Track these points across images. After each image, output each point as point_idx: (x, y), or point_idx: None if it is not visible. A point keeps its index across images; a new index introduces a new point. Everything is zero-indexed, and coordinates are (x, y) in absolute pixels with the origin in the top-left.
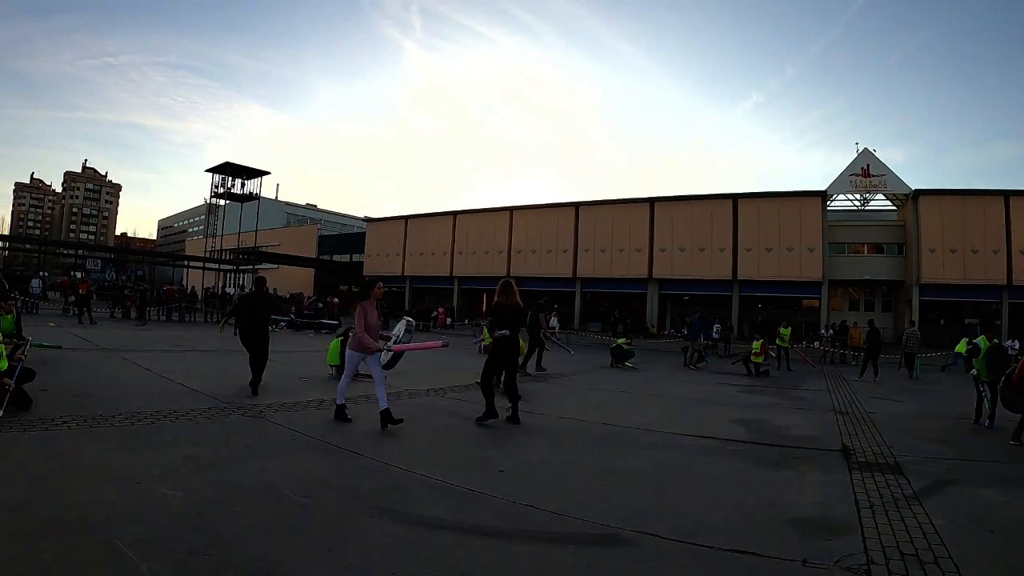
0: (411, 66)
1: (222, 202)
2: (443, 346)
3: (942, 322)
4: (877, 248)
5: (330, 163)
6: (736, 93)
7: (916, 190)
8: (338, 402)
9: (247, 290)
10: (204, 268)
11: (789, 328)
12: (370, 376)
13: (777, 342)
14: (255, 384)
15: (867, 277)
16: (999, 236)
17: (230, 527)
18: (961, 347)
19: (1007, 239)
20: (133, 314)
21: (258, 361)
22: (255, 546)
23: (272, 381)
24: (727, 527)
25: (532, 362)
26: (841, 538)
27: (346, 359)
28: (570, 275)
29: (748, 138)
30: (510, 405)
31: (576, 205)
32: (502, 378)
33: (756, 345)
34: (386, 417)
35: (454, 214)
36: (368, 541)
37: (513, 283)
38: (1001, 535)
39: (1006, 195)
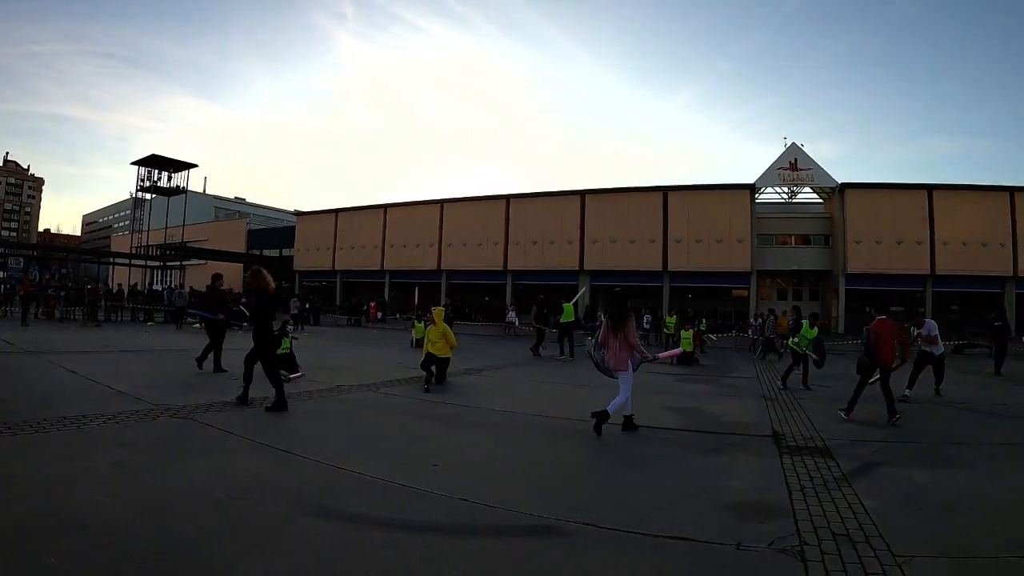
0: (344, 56)
1: (148, 196)
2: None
3: (868, 310)
4: (804, 239)
5: (261, 155)
6: (670, 86)
7: (842, 183)
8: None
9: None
10: (130, 265)
11: (675, 316)
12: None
13: (664, 330)
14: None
15: (795, 267)
16: (923, 228)
17: (164, 533)
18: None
19: (930, 230)
20: (58, 315)
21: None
22: (190, 552)
23: (200, 381)
24: (664, 513)
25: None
26: (774, 521)
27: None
28: (501, 268)
29: (682, 131)
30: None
31: (508, 198)
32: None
33: (689, 334)
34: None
35: (385, 207)
36: (306, 542)
37: (263, 270)
38: (930, 513)
39: (930, 188)
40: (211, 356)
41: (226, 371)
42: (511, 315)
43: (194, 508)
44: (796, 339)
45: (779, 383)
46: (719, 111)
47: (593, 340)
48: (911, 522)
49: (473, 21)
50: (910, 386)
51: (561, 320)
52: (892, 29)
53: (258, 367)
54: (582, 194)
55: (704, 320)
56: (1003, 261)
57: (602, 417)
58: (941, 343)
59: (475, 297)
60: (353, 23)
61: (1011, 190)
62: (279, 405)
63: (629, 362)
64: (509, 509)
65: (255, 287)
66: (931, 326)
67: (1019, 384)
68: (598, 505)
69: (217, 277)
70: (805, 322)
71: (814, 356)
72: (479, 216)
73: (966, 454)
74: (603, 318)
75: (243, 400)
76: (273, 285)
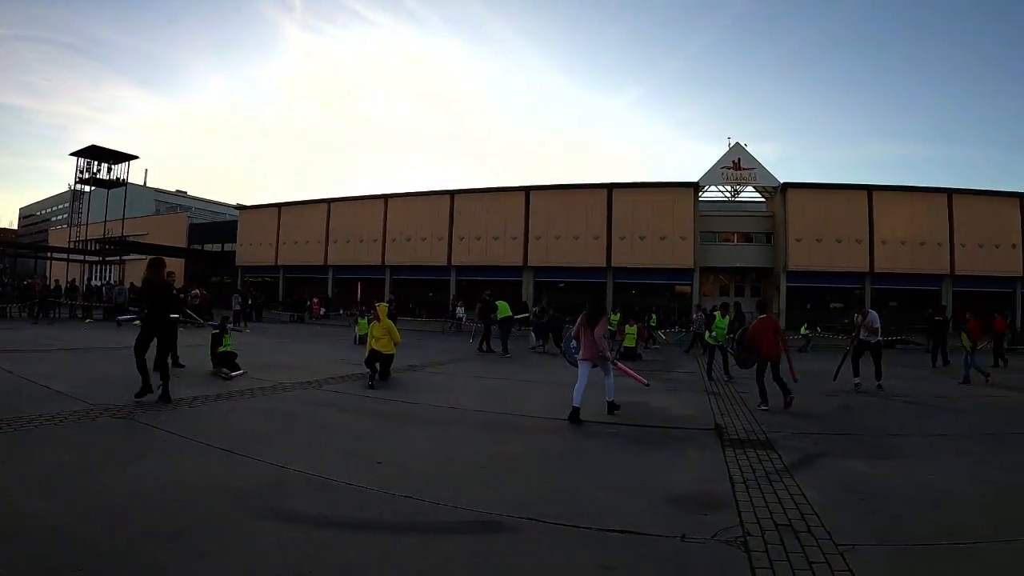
0: (292, 49)
1: (87, 188)
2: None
3: (808, 306)
4: (747, 237)
5: (204, 148)
6: (618, 85)
7: (784, 183)
8: None
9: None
10: (68, 260)
11: (619, 314)
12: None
13: (608, 327)
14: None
15: (738, 264)
16: (863, 227)
17: (105, 539)
18: (803, 330)
19: (870, 230)
20: None
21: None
22: (132, 557)
23: (138, 380)
24: (609, 508)
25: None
26: (718, 513)
27: None
28: (446, 263)
29: (628, 129)
30: (160, 383)
31: (452, 193)
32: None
33: (633, 330)
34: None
35: (329, 202)
36: (250, 544)
37: (162, 260)
38: (868, 501)
39: (870, 189)
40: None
41: (184, 366)
42: (459, 311)
43: (136, 511)
44: (713, 332)
45: (724, 376)
46: (665, 110)
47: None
48: (852, 512)
49: (423, 16)
50: (856, 374)
51: (498, 317)
52: (834, 35)
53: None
54: (527, 190)
55: (655, 316)
56: (941, 260)
57: (612, 407)
58: (879, 335)
59: (419, 293)
60: (301, 14)
61: (949, 192)
62: (165, 398)
63: (608, 350)
64: (454, 506)
65: (152, 277)
66: (874, 317)
67: (954, 378)
68: (544, 500)
69: (168, 275)
70: (717, 314)
71: (731, 349)
72: (423, 211)
73: (905, 445)
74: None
75: (165, 398)
76: (164, 277)
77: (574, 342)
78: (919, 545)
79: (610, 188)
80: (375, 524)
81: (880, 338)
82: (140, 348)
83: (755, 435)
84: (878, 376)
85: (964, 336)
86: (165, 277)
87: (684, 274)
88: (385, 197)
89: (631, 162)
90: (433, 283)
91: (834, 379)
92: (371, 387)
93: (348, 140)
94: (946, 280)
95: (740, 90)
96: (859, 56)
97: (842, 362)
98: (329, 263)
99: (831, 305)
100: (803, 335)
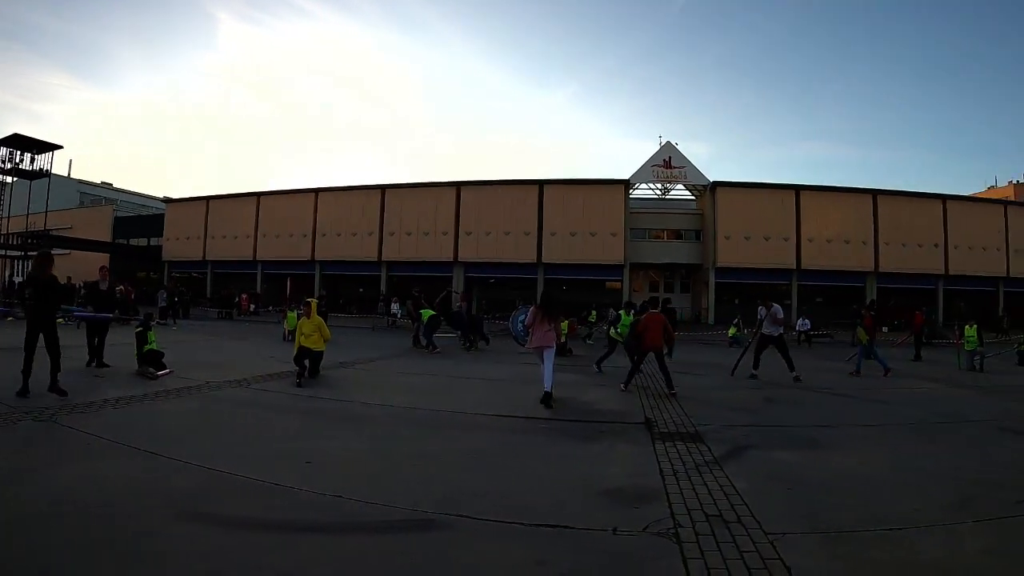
0: (225, 39)
1: (8, 179)
2: None
3: (736, 302)
4: (677, 234)
5: (131, 138)
6: (554, 81)
7: (714, 182)
8: None
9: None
10: None
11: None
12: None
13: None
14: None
15: (667, 261)
16: (790, 225)
17: (26, 548)
18: (731, 331)
19: (797, 228)
20: None
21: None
22: (55, 567)
23: (64, 380)
24: (541, 503)
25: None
26: (649, 505)
27: None
28: (376, 258)
29: (562, 126)
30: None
31: (383, 188)
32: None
33: (564, 325)
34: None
35: (258, 195)
36: (179, 549)
37: (49, 256)
38: (797, 490)
39: (797, 189)
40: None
41: (108, 366)
42: (394, 307)
43: (58, 519)
44: (617, 328)
45: (595, 367)
46: (599, 108)
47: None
48: (781, 501)
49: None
50: (756, 367)
51: (424, 319)
52: (767, 36)
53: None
54: (458, 185)
55: (595, 312)
56: (865, 258)
57: (548, 398)
58: (781, 328)
59: (350, 289)
60: (238, 4)
61: (874, 192)
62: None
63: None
64: (386, 504)
65: (38, 273)
66: (777, 309)
67: (879, 371)
68: (476, 496)
69: (103, 270)
70: (622, 312)
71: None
72: (355, 206)
73: (832, 435)
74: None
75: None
76: (50, 272)
77: (521, 325)
78: (847, 531)
79: (542, 184)
80: (305, 526)
81: (781, 330)
82: (29, 346)
83: (685, 428)
84: (791, 368)
85: (861, 331)
86: (51, 272)
87: (614, 270)
88: (316, 191)
89: (563, 159)
90: (364, 279)
91: (731, 373)
92: (300, 385)
93: (280, 133)
94: (870, 277)
95: (674, 89)
96: (791, 58)
97: (742, 355)
98: (258, 258)
99: (759, 302)
100: (731, 336)
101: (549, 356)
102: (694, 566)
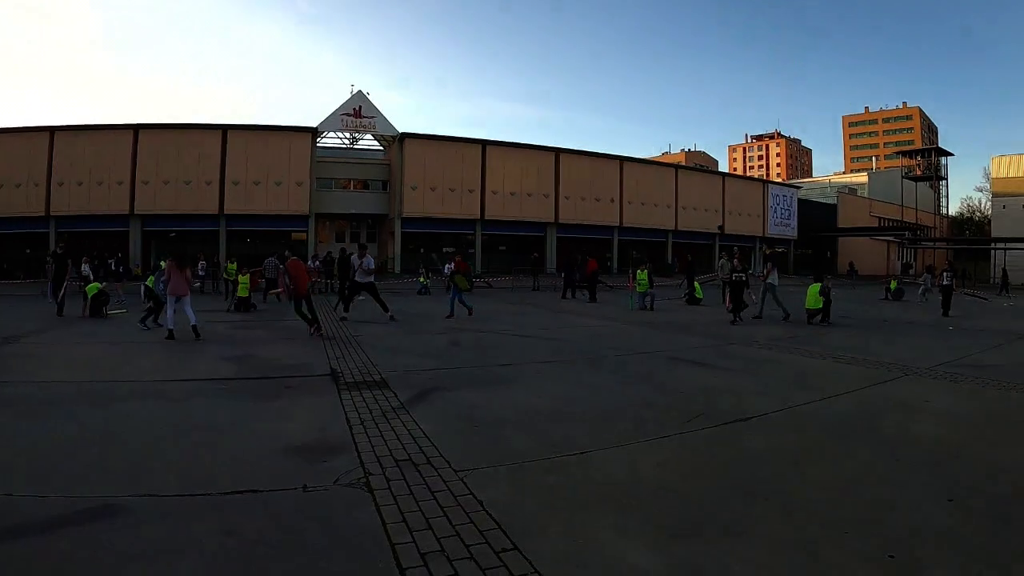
0: None
1: None
2: None
3: (422, 250)
4: (364, 184)
5: None
6: (241, 21)
7: (403, 133)
8: None
9: None
10: None
11: (235, 263)
12: None
13: (225, 276)
14: None
15: (354, 211)
16: (475, 178)
17: None
18: (421, 279)
19: (482, 181)
20: None
21: None
22: None
23: None
24: (229, 469)
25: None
26: (338, 457)
27: None
28: (43, 213)
29: (252, 71)
30: None
31: (51, 130)
32: None
33: (244, 279)
34: None
35: None
36: None
37: None
38: (483, 427)
39: (484, 143)
40: None
41: None
42: (85, 268)
43: None
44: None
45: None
46: (293, 53)
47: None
48: (468, 439)
49: None
50: (347, 309)
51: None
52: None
53: None
54: (135, 128)
55: (234, 264)
56: (547, 210)
57: (196, 330)
58: (371, 277)
59: (13, 250)
60: None
61: (557, 151)
62: None
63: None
64: (61, 495)
65: None
66: (369, 260)
67: (558, 313)
68: (157, 472)
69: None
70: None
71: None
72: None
73: (513, 373)
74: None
75: None
76: None
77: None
78: (532, 461)
79: (225, 129)
80: None
81: (371, 279)
82: None
83: (371, 376)
84: (384, 309)
85: (460, 278)
86: None
87: (299, 221)
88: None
89: (252, 105)
90: (27, 236)
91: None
92: None
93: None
94: (551, 227)
95: (367, 37)
96: (487, 15)
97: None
98: None
99: (444, 250)
100: (421, 283)
101: (185, 302)
102: (388, 512)
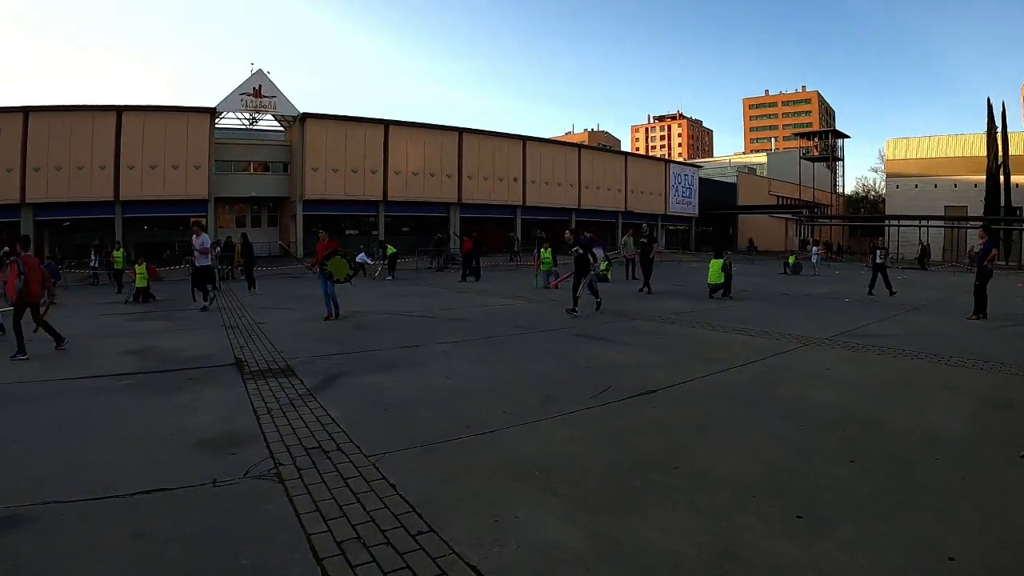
0: None
1: None
2: None
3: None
4: (265, 166)
5: None
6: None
7: (304, 113)
8: None
9: None
10: None
11: (121, 250)
12: None
13: (115, 266)
14: None
15: (254, 194)
16: (378, 158)
17: None
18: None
19: (385, 161)
20: None
21: None
22: None
23: None
24: (136, 469)
25: None
26: (247, 449)
27: None
28: None
29: (155, 49)
30: None
31: None
32: None
33: (141, 269)
34: None
35: None
36: None
37: None
38: (392, 410)
39: (387, 124)
40: None
41: None
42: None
43: None
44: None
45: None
46: (191, 29)
47: None
48: (377, 422)
49: None
50: (209, 301)
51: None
52: None
53: None
54: (25, 111)
55: (120, 251)
56: (450, 190)
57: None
58: (207, 258)
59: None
60: None
61: (460, 131)
62: None
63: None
64: None
65: None
66: (204, 239)
67: (462, 292)
68: (63, 476)
69: None
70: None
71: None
72: None
73: (417, 354)
74: None
75: None
76: None
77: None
78: (444, 442)
79: (120, 110)
80: None
81: (208, 261)
82: None
83: (276, 364)
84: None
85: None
86: None
87: (198, 205)
88: None
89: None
90: None
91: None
92: None
93: None
94: (454, 207)
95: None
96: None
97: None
98: None
99: (347, 232)
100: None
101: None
102: (301, 502)
